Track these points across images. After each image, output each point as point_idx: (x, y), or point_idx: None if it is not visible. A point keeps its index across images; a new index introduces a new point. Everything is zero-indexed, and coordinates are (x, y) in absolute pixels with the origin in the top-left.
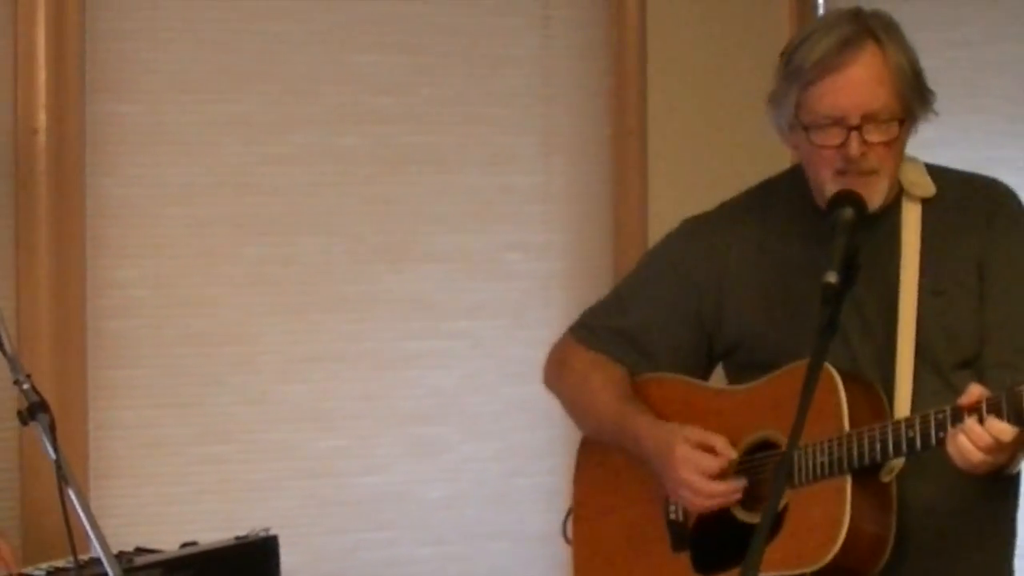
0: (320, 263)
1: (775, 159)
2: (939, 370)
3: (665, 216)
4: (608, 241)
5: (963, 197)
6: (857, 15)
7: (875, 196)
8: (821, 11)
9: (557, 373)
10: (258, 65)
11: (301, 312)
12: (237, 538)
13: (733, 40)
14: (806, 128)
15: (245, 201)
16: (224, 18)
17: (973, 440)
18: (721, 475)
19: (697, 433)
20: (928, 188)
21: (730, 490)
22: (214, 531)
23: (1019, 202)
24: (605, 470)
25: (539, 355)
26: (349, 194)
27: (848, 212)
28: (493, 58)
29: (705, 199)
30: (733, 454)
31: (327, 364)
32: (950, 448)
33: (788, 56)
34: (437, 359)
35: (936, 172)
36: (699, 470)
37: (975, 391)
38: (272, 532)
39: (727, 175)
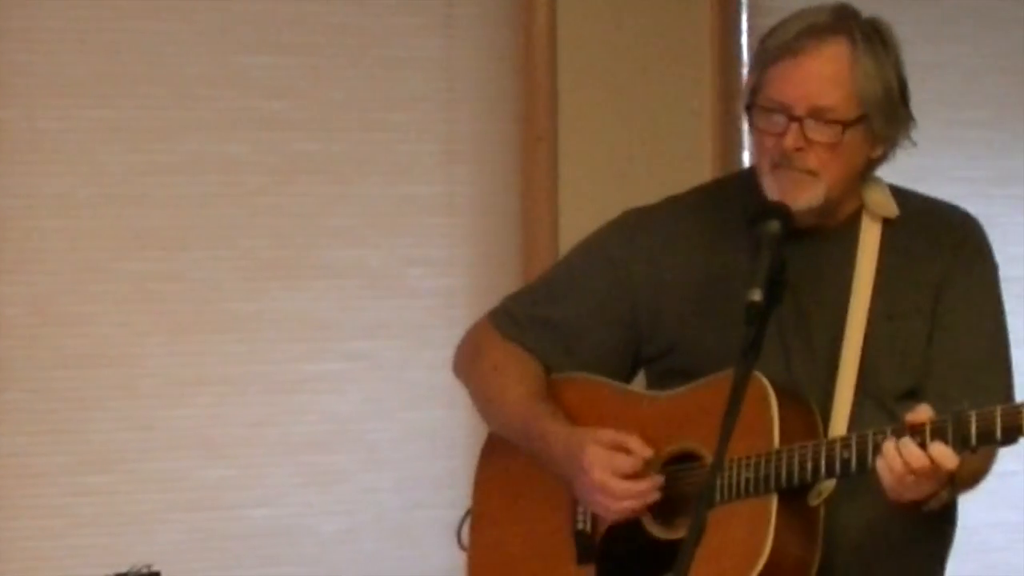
0: (207, 279)
1: (695, 165)
2: (881, 397)
3: (578, 229)
4: (516, 255)
5: (928, 223)
6: (840, 9)
7: (803, 198)
8: (745, 14)
9: (469, 361)
10: (140, 68)
11: (187, 332)
12: (117, 575)
13: (650, 39)
14: (753, 109)
15: (127, 213)
16: (104, 17)
17: (907, 460)
18: (636, 476)
19: (609, 433)
20: (891, 209)
21: (646, 490)
22: (93, 567)
23: (985, 236)
24: (509, 473)
25: (443, 378)
26: (238, 205)
27: (773, 225)
28: (392, 59)
29: (620, 209)
30: (648, 452)
31: (215, 388)
32: (879, 464)
33: (762, 38)
34: (333, 382)
35: (901, 194)
36: (611, 469)
37: (923, 411)
38: (155, 568)
39: (644, 183)
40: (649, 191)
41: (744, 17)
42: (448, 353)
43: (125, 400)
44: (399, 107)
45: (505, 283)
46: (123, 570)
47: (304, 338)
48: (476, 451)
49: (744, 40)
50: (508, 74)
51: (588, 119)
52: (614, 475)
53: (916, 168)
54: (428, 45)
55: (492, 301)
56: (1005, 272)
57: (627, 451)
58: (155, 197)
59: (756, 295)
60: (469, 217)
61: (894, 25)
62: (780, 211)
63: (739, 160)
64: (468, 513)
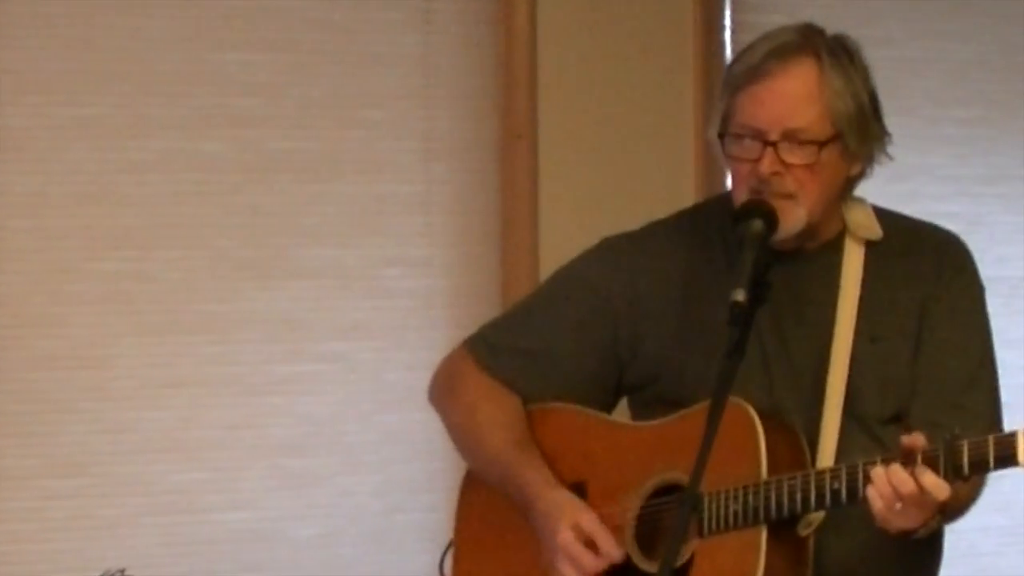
0: (181, 279)
1: (676, 163)
2: (867, 422)
3: (558, 228)
4: (495, 255)
5: (912, 244)
6: (806, 29)
7: (786, 224)
8: (728, 13)
9: (446, 392)
10: (113, 64)
11: (160, 333)
12: None
13: (631, 35)
14: (726, 137)
15: (99, 212)
16: (76, 12)
17: (898, 488)
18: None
19: (587, 523)
20: (874, 231)
21: None
22: (65, 572)
23: (971, 258)
24: (490, 507)
25: (421, 380)
26: (213, 204)
27: (756, 224)
28: (369, 56)
29: (601, 209)
30: (617, 556)
31: (188, 389)
32: (870, 492)
33: (729, 65)
34: (309, 384)
35: (885, 216)
36: (576, 566)
37: (916, 439)
38: (128, 573)
39: (625, 182)
40: (629, 190)
41: (727, 12)
42: (426, 354)
43: (97, 402)
44: (376, 104)
45: (484, 284)
46: (96, 575)
47: (279, 339)
48: (455, 454)
49: (727, 35)
50: (487, 71)
51: (568, 116)
52: (577, 571)
53: (904, 167)
54: (406, 41)
55: (470, 301)
56: (993, 272)
57: (596, 550)
58: (128, 196)
59: (740, 295)
60: (447, 216)
61: (878, 23)
62: (762, 210)
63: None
64: (449, 545)
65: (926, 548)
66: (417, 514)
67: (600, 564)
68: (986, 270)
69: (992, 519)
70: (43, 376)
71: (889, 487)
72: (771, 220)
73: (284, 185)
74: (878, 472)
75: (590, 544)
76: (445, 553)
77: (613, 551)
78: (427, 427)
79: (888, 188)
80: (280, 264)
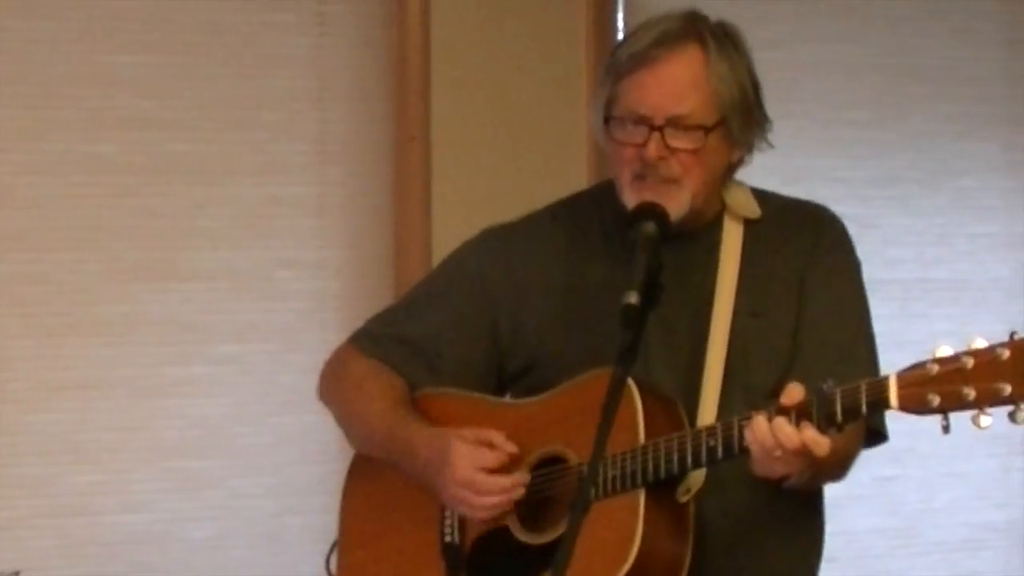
0: (73, 281)
1: (569, 165)
2: (749, 395)
3: (451, 230)
4: (388, 257)
5: (788, 221)
6: (690, 16)
7: (674, 207)
8: (621, 16)
9: (331, 383)
10: (5, 66)
11: (52, 335)
12: None
13: (524, 38)
14: (610, 121)
15: None
16: None
17: (778, 437)
18: (501, 471)
19: (473, 430)
20: (753, 210)
21: (510, 485)
22: None
23: (844, 230)
24: (376, 496)
25: (314, 382)
26: (105, 206)
27: (649, 227)
28: (262, 58)
29: (494, 211)
30: (512, 448)
31: (81, 392)
32: (748, 436)
33: (614, 50)
34: (202, 386)
35: (762, 195)
36: (477, 465)
37: (795, 391)
38: (21, 575)
39: (517, 184)
40: (522, 191)
41: (620, 16)
42: (319, 357)
43: None
44: (270, 107)
45: (377, 286)
46: None
47: (172, 341)
48: (348, 456)
49: (620, 39)
50: (380, 73)
51: (461, 119)
52: (479, 470)
53: (796, 168)
54: (300, 43)
55: (363, 304)
56: (885, 274)
57: (491, 446)
58: (21, 198)
59: (632, 298)
60: (340, 218)
61: (769, 25)
62: (656, 212)
63: None
64: (336, 543)
65: (807, 511)
66: (310, 516)
67: (498, 456)
68: (878, 273)
69: (884, 521)
70: None
71: (769, 434)
72: (664, 222)
73: (177, 187)
74: (759, 420)
75: (484, 444)
76: (331, 550)
77: (506, 444)
78: (320, 429)
79: (781, 190)
80: (172, 266)
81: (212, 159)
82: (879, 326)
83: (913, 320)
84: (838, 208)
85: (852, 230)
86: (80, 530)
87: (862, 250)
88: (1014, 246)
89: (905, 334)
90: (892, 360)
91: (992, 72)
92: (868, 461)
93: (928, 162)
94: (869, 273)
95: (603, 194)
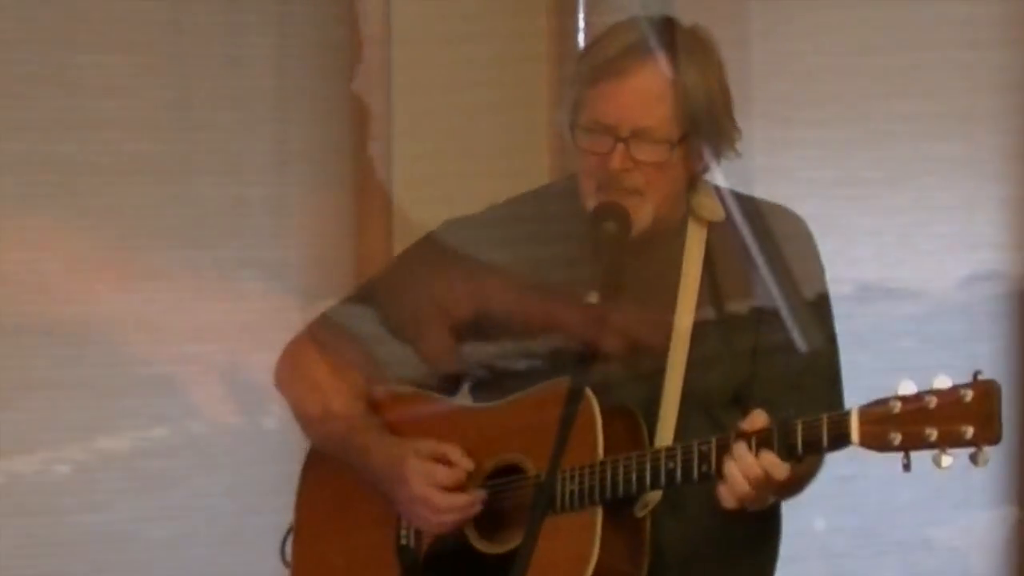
0: (33, 281)
1: (530, 165)
2: (708, 404)
3: (412, 230)
4: (350, 258)
5: (751, 222)
6: (661, 22)
7: (637, 218)
8: (581, 15)
9: (288, 374)
10: None
11: (11, 335)
12: None
13: (486, 38)
14: (576, 129)
15: None
16: None
17: (743, 470)
18: (457, 488)
19: (429, 445)
20: (717, 212)
21: (467, 503)
22: None
23: (810, 235)
24: (333, 487)
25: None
26: (65, 206)
27: (611, 227)
28: (223, 58)
29: (456, 211)
30: (469, 465)
31: (42, 391)
32: (720, 482)
33: (582, 53)
34: (162, 386)
35: (726, 196)
36: (433, 482)
37: (758, 419)
38: None
39: (480, 183)
40: (486, 193)
41: (580, 15)
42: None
43: None
44: (230, 106)
45: (338, 286)
46: None
47: (132, 341)
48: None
49: (581, 38)
50: (341, 73)
51: (423, 119)
52: (435, 488)
53: (756, 168)
54: (260, 43)
55: (325, 303)
56: (846, 274)
57: (448, 463)
58: None
59: (594, 297)
60: (301, 218)
61: (735, 24)
62: (617, 212)
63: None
64: (290, 530)
65: (764, 531)
66: (271, 516)
67: (455, 474)
68: (839, 272)
69: (845, 520)
70: None
71: (738, 473)
72: (625, 222)
73: (137, 187)
74: (729, 463)
75: (440, 460)
76: (286, 538)
77: (463, 460)
78: (281, 428)
79: (742, 190)
80: (133, 266)
81: (172, 159)
82: (840, 326)
83: (873, 319)
84: (799, 208)
85: (813, 230)
86: (41, 530)
87: (823, 250)
88: (976, 246)
89: (865, 334)
90: (853, 360)
91: (953, 73)
92: (828, 460)
93: (889, 162)
94: (830, 273)
95: (568, 188)
